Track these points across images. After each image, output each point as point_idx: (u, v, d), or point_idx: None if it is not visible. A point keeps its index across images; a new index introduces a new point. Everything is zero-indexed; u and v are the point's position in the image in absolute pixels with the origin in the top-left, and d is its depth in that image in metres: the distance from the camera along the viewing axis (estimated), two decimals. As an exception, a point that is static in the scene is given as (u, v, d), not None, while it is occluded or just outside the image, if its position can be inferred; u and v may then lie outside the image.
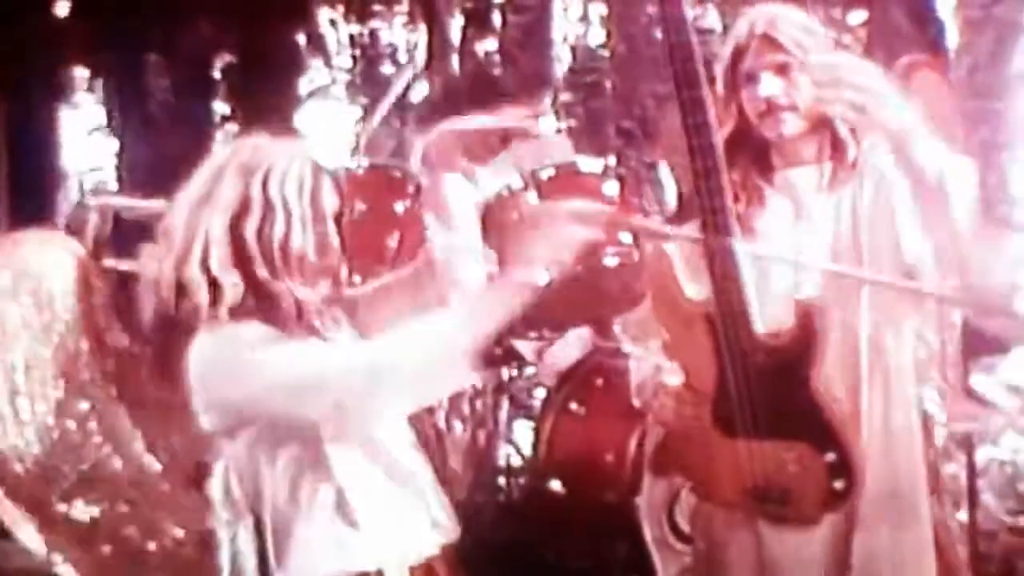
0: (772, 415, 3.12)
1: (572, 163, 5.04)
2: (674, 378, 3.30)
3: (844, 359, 3.14)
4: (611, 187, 4.81)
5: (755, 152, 3.25)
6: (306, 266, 2.89)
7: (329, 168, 3.01)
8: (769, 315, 3.12)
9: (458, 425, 5.51)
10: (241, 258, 2.85)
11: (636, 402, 3.47)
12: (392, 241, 4.81)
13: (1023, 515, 5.38)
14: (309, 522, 2.91)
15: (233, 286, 2.83)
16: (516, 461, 5.56)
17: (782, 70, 3.15)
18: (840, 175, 3.20)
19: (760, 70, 3.15)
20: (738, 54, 3.17)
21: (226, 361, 2.83)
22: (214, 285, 2.83)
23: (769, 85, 3.14)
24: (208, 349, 2.84)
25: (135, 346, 3.40)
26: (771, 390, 3.11)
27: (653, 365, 3.38)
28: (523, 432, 5.54)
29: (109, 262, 3.82)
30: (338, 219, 2.96)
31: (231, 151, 2.94)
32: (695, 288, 3.20)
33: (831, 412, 3.09)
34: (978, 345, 5.44)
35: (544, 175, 4.80)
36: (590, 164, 4.91)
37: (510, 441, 5.61)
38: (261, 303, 2.86)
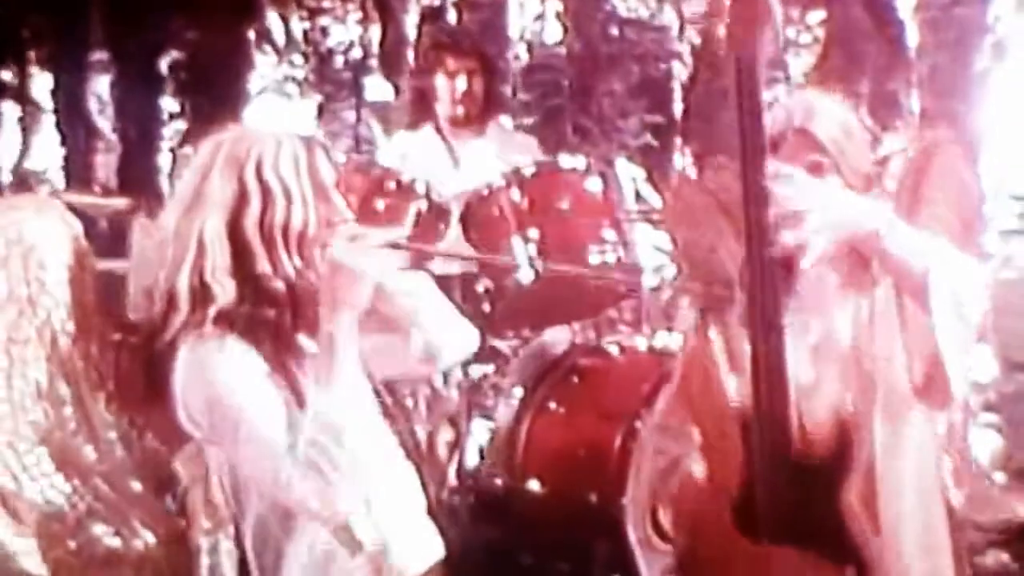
0: (796, 524, 3.04)
1: (553, 160, 5.03)
2: (698, 467, 3.26)
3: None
4: (594, 183, 4.80)
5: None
6: (314, 248, 2.85)
7: (320, 142, 2.97)
8: (806, 422, 3.09)
9: (431, 426, 5.46)
10: (241, 260, 2.80)
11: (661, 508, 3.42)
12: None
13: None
14: (302, 541, 2.88)
15: (223, 293, 2.78)
16: (491, 462, 5.52)
17: (814, 171, 3.05)
18: (858, 279, 3.17)
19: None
20: (772, 146, 3.02)
21: (198, 379, 2.82)
22: (203, 292, 2.79)
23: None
24: (187, 362, 2.82)
25: (121, 334, 3.34)
26: (798, 499, 3.04)
27: (675, 455, 3.34)
28: (499, 432, 5.50)
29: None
30: (338, 189, 2.93)
31: (212, 147, 2.89)
32: (733, 384, 3.15)
33: (857, 527, 3.03)
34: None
35: (527, 172, 4.78)
36: (571, 161, 4.90)
37: (485, 441, 5.57)
38: (255, 309, 2.81)
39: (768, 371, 2.99)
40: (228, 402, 2.76)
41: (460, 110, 5.81)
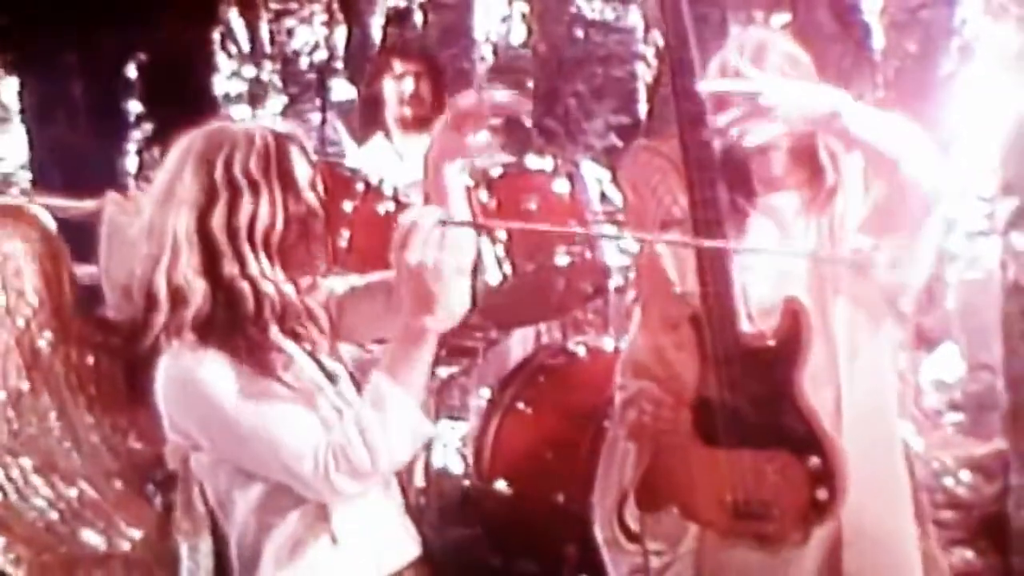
0: (754, 420, 3.11)
1: (520, 161, 5.03)
2: (654, 385, 3.29)
3: (822, 371, 3.16)
4: (561, 185, 4.81)
5: (737, 175, 3.24)
6: (284, 246, 2.83)
7: (293, 136, 2.94)
8: (755, 314, 3.13)
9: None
10: (210, 260, 2.79)
11: (621, 431, 3.45)
12: (342, 241, 4.77)
13: (949, 509, 5.41)
14: (280, 543, 2.86)
15: (196, 295, 2.77)
16: (459, 462, 5.53)
17: None
18: (819, 200, 3.22)
19: None
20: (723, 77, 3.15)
21: (186, 400, 2.80)
22: (179, 293, 2.77)
23: None
24: (171, 375, 2.80)
25: (102, 335, 3.33)
26: (754, 392, 3.11)
27: (634, 392, 3.37)
28: (467, 432, 5.51)
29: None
30: (314, 187, 2.89)
31: (187, 143, 2.86)
32: (682, 288, 3.20)
33: (813, 416, 3.09)
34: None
35: (494, 173, 4.78)
36: (539, 162, 4.90)
37: (453, 442, 5.57)
38: (227, 314, 2.79)
39: (712, 261, 3.07)
40: (230, 416, 2.73)
41: (408, 111, 5.86)
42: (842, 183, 3.20)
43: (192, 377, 2.76)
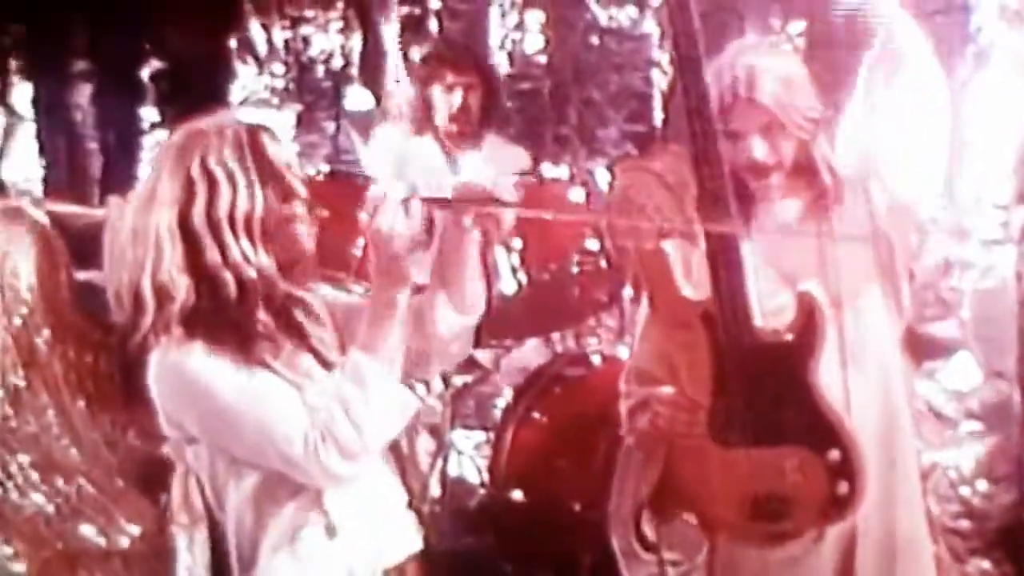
0: (770, 416, 3.11)
1: (536, 170, 5.03)
2: (667, 388, 3.29)
3: (832, 377, 3.16)
4: (576, 194, 4.81)
5: (736, 185, 3.24)
6: (267, 229, 2.84)
7: (265, 125, 2.96)
8: (768, 310, 3.13)
9: (414, 435, 5.45)
10: (192, 254, 2.81)
11: (629, 439, 3.46)
12: (356, 249, 4.77)
13: (965, 518, 5.41)
14: (278, 533, 2.88)
15: (181, 290, 2.78)
16: (474, 471, 5.53)
17: (767, 130, 3.18)
18: (820, 207, 3.25)
19: (747, 133, 3.19)
20: (721, 110, 3.16)
21: (178, 393, 2.83)
22: (164, 291, 2.79)
23: (757, 149, 3.19)
24: (162, 370, 2.82)
25: (101, 333, 3.33)
26: (770, 388, 3.11)
27: (643, 397, 3.37)
28: (482, 442, 5.51)
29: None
30: (292, 169, 2.91)
31: (165, 146, 2.91)
32: (691, 289, 3.21)
33: (831, 409, 3.09)
34: (920, 350, 5.49)
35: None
36: (554, 171, 4.91)
37: (468, 451, 5.57)
38: (212, 306, 2.81)
39: (724, 257, 3.08)
40: (221, 405, 2.76)
41: (454, 127, 5.81)
42: (840, 188, 3.21)
43: (182, 369, 2.79)
